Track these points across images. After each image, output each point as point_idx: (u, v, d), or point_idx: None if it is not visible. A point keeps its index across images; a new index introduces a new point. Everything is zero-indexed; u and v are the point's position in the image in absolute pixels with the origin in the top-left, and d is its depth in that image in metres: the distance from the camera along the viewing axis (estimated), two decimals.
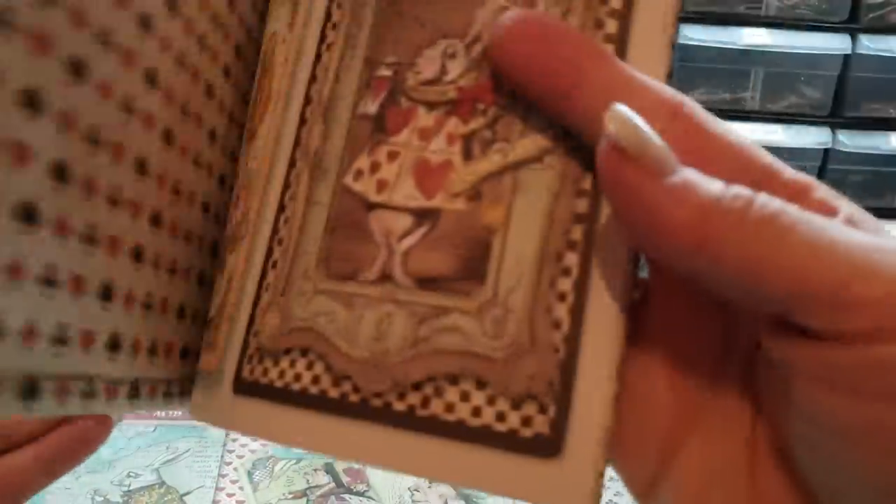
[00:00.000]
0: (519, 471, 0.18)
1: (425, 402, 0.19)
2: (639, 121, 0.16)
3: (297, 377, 0.20)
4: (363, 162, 0.21)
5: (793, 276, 0.15)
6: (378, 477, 0.40)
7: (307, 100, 0.23)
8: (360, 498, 0.38)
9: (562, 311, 0.18)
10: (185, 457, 0.41)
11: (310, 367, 0.20)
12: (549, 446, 0.18)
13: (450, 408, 0.18)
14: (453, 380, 0.18)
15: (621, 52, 0.19)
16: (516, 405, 0.18)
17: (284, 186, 0.23)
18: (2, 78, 0.16)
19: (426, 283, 0.19)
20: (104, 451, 0.42)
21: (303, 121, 0.23)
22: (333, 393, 0.20)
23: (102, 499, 0.38)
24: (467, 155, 0.19)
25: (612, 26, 0.19)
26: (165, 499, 0.38)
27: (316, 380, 0.20)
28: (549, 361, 0.18)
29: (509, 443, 0.18)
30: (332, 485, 0.40)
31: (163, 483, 0.39)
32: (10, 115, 0.17)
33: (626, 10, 0.19)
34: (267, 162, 0.24)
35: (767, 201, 0.16)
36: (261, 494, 0.38)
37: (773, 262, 0.15)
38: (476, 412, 0.18)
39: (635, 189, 0.16)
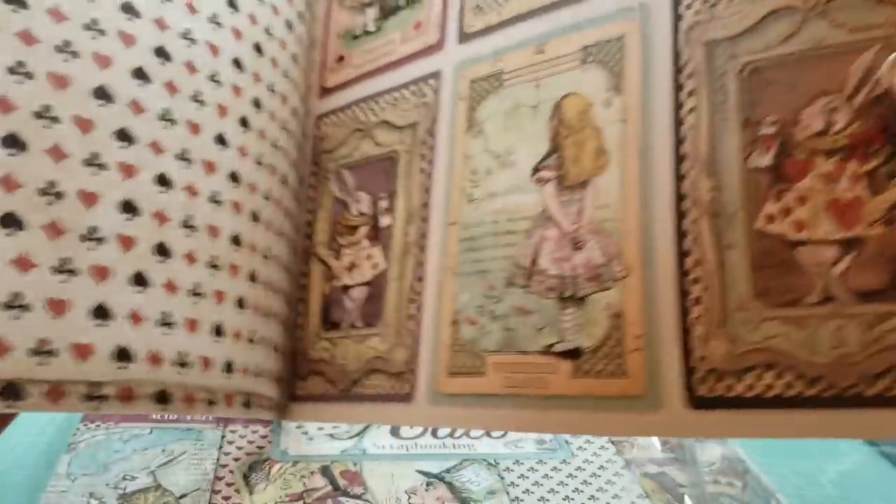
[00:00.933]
0: None
1: (890, 387, 0.24)
2: None
3: (769, 387, 0.26)
4: (771, 208, 0.26)
5: None
6: (375, 480, 0.41)
7: (680, 158, 0.27)
8: (357, 501, 0.39)
9: None
10: (180, 459, 0.42)
11: (779, 376, 0.26)
12: None
13: None
14: None
15: None
16: None
17: (679, 234, 0.27)
18: None
19: (866, 296, 0.25)
20: (100, 454, 0.42)
21: (680, 176, 0.27)
22: (810, 392, 0.25)
23: (98, 501, 0.38)
24: (873, 189, 0.25)
25: None
26: (161, 501, 0.38)
27: (789, 385, 0.25)
28: None
29: None
30: (329, 488, 0.40)
31: (158, 486, 0.39)
32: None
33: None
34: (634, 210, 0.29)
35: None
36: (257, 497, 0.39)
37: None
38: None
39: None
